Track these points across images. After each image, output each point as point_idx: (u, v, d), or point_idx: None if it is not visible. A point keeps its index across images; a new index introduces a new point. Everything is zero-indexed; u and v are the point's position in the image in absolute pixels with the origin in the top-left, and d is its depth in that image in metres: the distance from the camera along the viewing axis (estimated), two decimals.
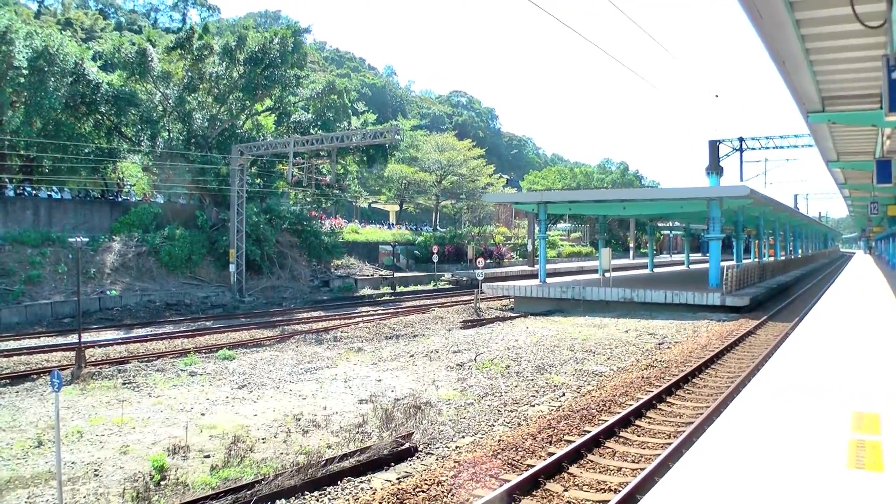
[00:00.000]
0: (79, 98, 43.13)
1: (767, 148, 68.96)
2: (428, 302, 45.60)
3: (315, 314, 38.67)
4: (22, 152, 42.94)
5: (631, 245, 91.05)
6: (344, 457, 12.59)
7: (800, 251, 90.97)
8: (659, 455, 11.92)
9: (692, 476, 7.50)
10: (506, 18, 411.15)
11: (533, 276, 52.81)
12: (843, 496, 6.73)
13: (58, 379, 10.19)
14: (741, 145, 68.63)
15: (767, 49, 13.31)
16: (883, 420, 9.46)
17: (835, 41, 13.14)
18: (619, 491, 10.32)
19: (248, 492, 10.98)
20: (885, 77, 9.40)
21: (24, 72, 39.56)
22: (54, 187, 46.59)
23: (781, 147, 68.38)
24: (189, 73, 47.80)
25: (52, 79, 40.92)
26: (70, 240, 24.36)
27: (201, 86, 48.58)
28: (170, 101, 48.00)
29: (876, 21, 9.62)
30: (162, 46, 48.32)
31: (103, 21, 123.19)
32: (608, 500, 10.00)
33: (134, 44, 47.92)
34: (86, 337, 26.72)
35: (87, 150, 44.59)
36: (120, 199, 50.11)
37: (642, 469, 11.30)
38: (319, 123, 52.21)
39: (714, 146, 66.28)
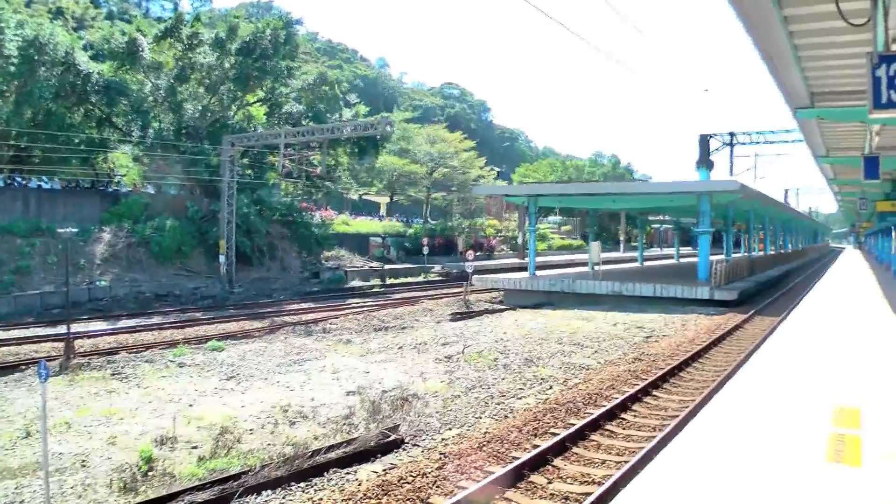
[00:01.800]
0: (69, 88, 43.06)
1: (758, 143, 69.03)
2: (417, 294, 45.66)
3: (305, 306, 38.74)
4: (12, 142, 42.83)
5: (621, 238, 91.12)
6: (330, 448, 12.64)
7: (790, 246, 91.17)
8: (643, 448, 11.99)
9: (672, 468, 7.58)
10: (498, 12, 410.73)
11: (523, 268, 52.86)
12: (819, 489, 6.83)
13: (44, 370, 10.19)
14: (731, 140, 68.69)
15: (755, 45, 13.38)
16: (864, 415, 9.57)
17: (822, 38, 13.20)
18: (603, 483, 10.40)
19: (235, 483, 11.03)
20: (869, 74, 9.47)
21: (15, 61, 39.50)
22: (44, 177, 46.50)
23: (772, 142, 68.48)
24: (180, 63, 47.73)
25: (43, 68, 40.91)
26: (59, 230, 24.34)
27: (192, 76, 48.53)
28: (161, 92, 47.93)
29: (860, 18, 9.68)
30: (151, 35, 48.21)
31: (94, 10, 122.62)
32: (591, 493, 10.07)
33: (124, 33, 47.81)
34: (75, 328, 26.68)
35: (77, 141, 44.51)
36: (110, 190, 50.04)
37: (626, 462, 11.38)
38: (311, 115, 52.22)
39: (704, 140, 66.25)
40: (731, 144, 68.72)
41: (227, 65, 48.18)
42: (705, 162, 65.64)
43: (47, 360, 20.95)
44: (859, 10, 9.99)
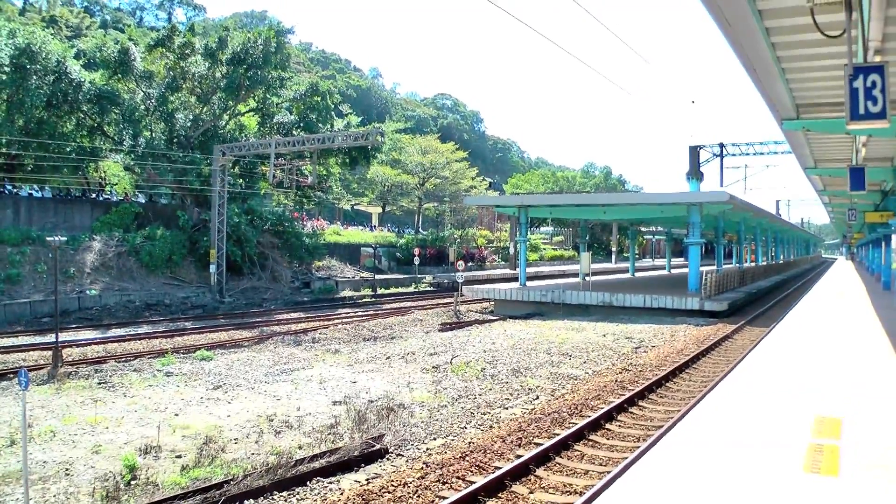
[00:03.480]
0: (61, 96, 42.90)
1: (747, 154, 69.43)
2: (408, 304, 45.65)
3: (294, 315, 38.71)
4: (3, 150, 42.75)
5: (613, 249, 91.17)
6: (314, 457, 12.64)
7: (781, 257, 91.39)
8: (626, 458, 12.01)
9: (650, 477, 7.62)
10: (492, 25, 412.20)
11: (514, 279, 52.95)
12: (794, 500, 6.85)
13: (25, 378, 10.22)
14: (721, 151, 69.07)
15: (739, 57, 13.44)
16: (844, 426, 9.62)
17: (803, 49, 13.28)
18: (584, 494, 10.41)
19: (217, 492, 11.01)
20: (847, 85, 9.55)
21: (6, 69, 39.42)
22: (35, 186, 46.41)
23: (761, 153, 68.89)
24: (171, 73, 47.73)
25: (35, 77, 40.81)
26: (48, 239, 24.31)
27: (184, 85, 48.52)
28: (152, 101, 47.87)
29: (835, 31, 9.76)
30: (144, 45, 48.23)
31: (89, 19, 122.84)
32: (572, 503, 10.09)
33: (117, 42, 47.82)
34: (64, 336, 26.67)
35: (68, 149, 44.47)
36: (101, 199, 50.08)
37: (608, 472, 11.40)
38: (302, 125, 52.17)
39: (694, 152, 66.62)
40: (721, 156, 69.06)
41: (218, 74, 48.20)
42: (695, 173, 65.97)
43: (36, 369, 21.15)
44: (834, 22, 10.07)
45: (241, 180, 52.05)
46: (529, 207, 46.84)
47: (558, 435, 13.60)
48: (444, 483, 11.24)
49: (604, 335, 29.66)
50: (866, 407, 10.65)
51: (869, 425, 9.64)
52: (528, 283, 45.52)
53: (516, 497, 10.79)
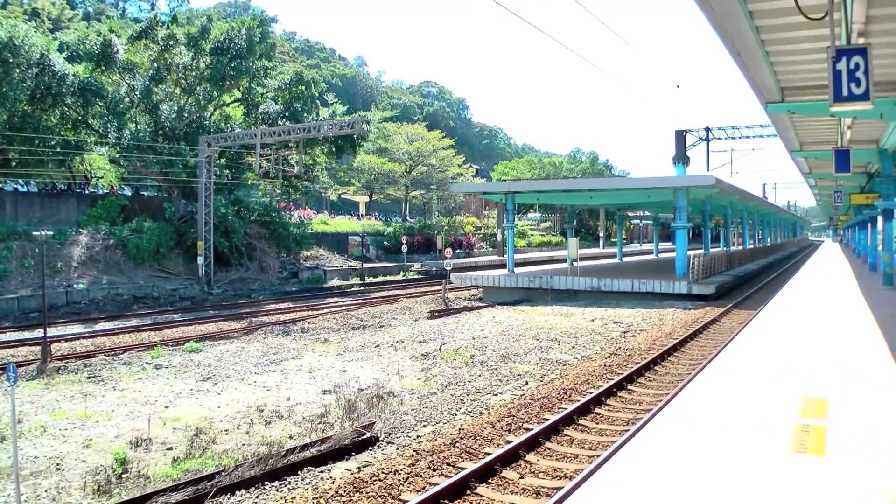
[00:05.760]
0: (44, 89, 42.59)
1: (733, 138, 69.60)
2: (396, 292, 45.66)
3: (283, 305, 38.69)
4: None
5: (601, 234, 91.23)
6: (305, 447, 12.66)
7: (768, 240, 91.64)
8: (615, 441, 12.07)
9: (639, 460, 7.66)
10: (476, 11, 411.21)
11: (502, 265, 52.99)
12: (780, 479, 6.91)
13: (14, 373, 10.21)
14: (707, 135, 69.22)
15: (723, 41, 13.48)
16: (830, 405, 9.69)
17: (787, 33, 13.33)
18: (574, 478, 10.46)
19: (209, 483, 11.03)
20: (830, 68, 9.59)
21: None
22: (20, 180, 46.12)
23: (747, 137, 69.07)
24: (155, 64, 47.48)
25: (17, 70, 40.50)
26: (34, 233, 24.22)
27: (168, 77, 48.31)
28: (136, 93, 47.65)
29: (818, 13, 9.79)
30: (126, 36, 47.94)
31: (70, 11, 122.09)
32: (562, 487, 10.14)
33: (99, 34, 47.52)
34: (52, 331, 26.61)
35: (53, 143, 44.22)
36: (87, 192, 49.86)
37: (598, 456, 11.45)
38: (288, 114, 52.00)
39: (681, 136, 66.69)
40: (707, 140, 69.23)
41: (202, 65, 47.99)
42: (682, 157, 66.07)
43: (25, 365, 21.08)
44: (817, 5, 10.10)
45: (227, 171, 51.88)
46: (516, 194, 46.86)
47: (548, 420, 13.66)
48: (434, 470, 11.28)
49: (592, 320, 29.75)
50: (852, 387, 10.73)
51: (855, 405, 9.71)
52: (516, 270, 45.57)
53: (507, 482, 10.83)
